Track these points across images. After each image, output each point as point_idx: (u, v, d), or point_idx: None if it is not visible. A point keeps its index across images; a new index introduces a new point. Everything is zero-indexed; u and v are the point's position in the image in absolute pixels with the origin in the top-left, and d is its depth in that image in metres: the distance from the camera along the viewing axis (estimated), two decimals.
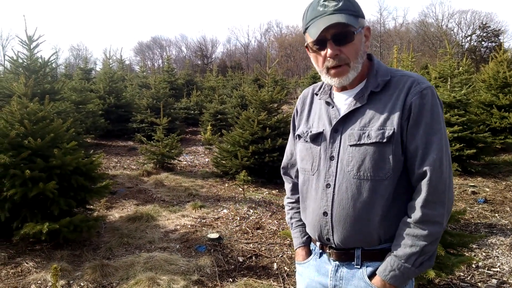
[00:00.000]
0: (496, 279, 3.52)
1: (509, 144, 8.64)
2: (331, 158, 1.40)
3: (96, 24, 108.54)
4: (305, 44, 1.44)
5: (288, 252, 4.07)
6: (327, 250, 1.47)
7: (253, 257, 3.96)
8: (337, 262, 1.44)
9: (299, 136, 1.54)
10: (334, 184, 1.38)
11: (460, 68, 8.37)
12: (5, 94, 7.01)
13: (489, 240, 4.32)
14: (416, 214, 1.29)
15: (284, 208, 1.78)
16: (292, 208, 1.71)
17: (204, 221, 4.95)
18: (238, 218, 5.06)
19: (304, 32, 1.40)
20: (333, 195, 1.38)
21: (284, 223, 4.83)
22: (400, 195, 1.35)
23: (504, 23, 57.18)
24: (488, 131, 7.69)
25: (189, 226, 4.74)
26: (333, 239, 1.41)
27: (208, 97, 16.47)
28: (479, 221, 4.94)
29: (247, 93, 8.34)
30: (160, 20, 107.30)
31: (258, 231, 4.67)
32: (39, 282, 3.33)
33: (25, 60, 7.44)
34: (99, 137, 10.79)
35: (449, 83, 7.61)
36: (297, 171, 1.66)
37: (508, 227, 4.70)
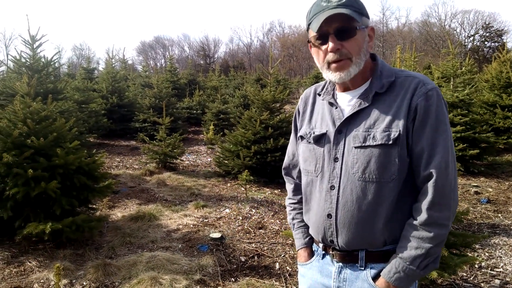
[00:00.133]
0: (499, 279, 3.50)
1: None
2: (335, 159, 1.39)
3: (99, 23, 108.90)
4: (307, 40, 1.42)
5: (290, 252, 4.07)
6: (331, 252, 1.46)
7: (255, 257, 3.95)
8: (340, 264, 1.43)
9: (302, 137, 1.53)
10: (339, 186, 1.37)
11: (463, 68, 8.34)
12: (8, 94, 7.04)
13: (492, 241, 4.30)
14: (422, 216, 1.28)
15: (286, 208, 1.78)
16: (294, 209, 1.70)
17: (207, 220, 4.96)
18: (240, 218, 5.06)
19: (308, 29, 1.39)
20: (338, 197, 1.37)
21: (287, 223, 4.83)
22: (405, 196, 1.34)
23: (507, 23, 57.07)
24: (491, 131, 7.67)
25: (191, 226, 4.74)
26: (337, 241, 1.40)
27: (210, 96, 16.46)
28: (482, 221, 4.93)
29: (249, 92, 8.32)
30: (163, 20, 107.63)
31: (260, 230, 4.67)
32: (42, 281, 3.34)
33: (28, 60, 7.47)
34: (101, 137, 10.80)
35: (452, 83, 7.60)
36: (299, 171, 1.65)
37: None
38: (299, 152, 1.57)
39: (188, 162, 8.64)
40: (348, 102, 1.42)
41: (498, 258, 3.92)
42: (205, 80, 23.77)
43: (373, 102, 1.36)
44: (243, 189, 6.11)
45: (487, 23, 39.40)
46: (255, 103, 7.30)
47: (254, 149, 6.53)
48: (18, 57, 7.46)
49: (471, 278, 3.52)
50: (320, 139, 1.44)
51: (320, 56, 1.38)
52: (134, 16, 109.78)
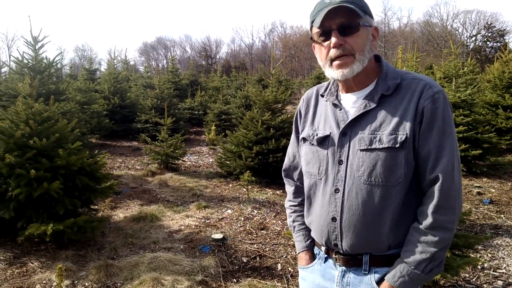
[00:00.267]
0: (501, 280, 3.49)
1: None
2: (340, 162, 1.37)
3: (101, 24, 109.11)
4: (310, 37, 1.41)
5: (292, 252, 4.07)
6: (333, 255, 1.44)
7: (257, 258, 3.95)
8: (343, 268, 1.41)
9: (304, 139, 1.51)
10: (344, 189, 1.35)
11: (465, 68, 8.32)
12: (10, 95, 7.05)
13: (494, 241, 4.29)
14: (428, 220, 1.27)
15: (286, 211, 1.76)
16: (294, 211, 1.68)
17: (208, 221, 4.96)
18: (242, 219, 5.06)
19: (311, 27, 1.38)
20: (343, 200, 1.35)
21: None
22: (410, 200, 1.33)
23: (509, 23, 56.77)
24: (494, 131, 7.64)
25: (193, 227, 4.74)
26: (341, 245, 1.38)
27: (212, 97, 16.47)
28: (484, 222, 4.91)
29: (251, 93, 8.33)
30: (165, 21, 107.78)
31: (262, 231, 4.66)
32: (44, 282, 3.34)
33: (30, 61, 7.48)
34: (103, 138, 10.83)
35: (454, 83, 7.58)
36: (299, 173, 1.64)
37: None
38: (301, 154, 1.55)
39: (190, 162, 8.64)
40: (352, 104, 1.40)
41: (501, 259, 3.90)
42: (207, 80, 23.79)
43: (379, 104, 1.34)
44: (245, 189, 6.11)
45: (489, 23, 39.35)
46: (257, 103, 7.30)
47: (256, 150, 6.53)
48: (20, 58, 7.48)
49: (474, 279, 3.51)
50: (323, 141, 1.42)
51: (322, 53, 1.36)
52: (136, 17, 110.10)
